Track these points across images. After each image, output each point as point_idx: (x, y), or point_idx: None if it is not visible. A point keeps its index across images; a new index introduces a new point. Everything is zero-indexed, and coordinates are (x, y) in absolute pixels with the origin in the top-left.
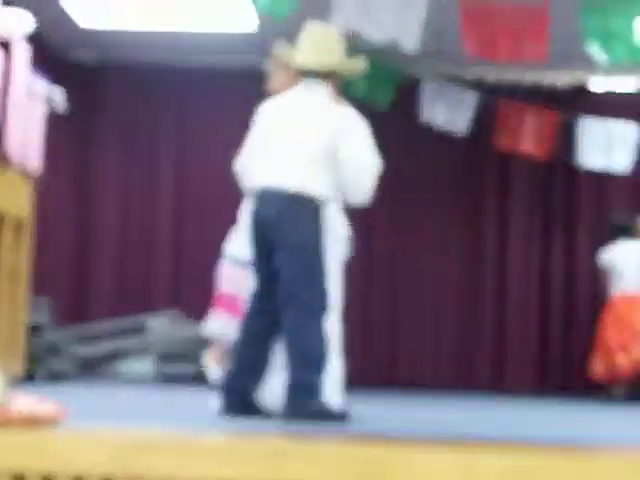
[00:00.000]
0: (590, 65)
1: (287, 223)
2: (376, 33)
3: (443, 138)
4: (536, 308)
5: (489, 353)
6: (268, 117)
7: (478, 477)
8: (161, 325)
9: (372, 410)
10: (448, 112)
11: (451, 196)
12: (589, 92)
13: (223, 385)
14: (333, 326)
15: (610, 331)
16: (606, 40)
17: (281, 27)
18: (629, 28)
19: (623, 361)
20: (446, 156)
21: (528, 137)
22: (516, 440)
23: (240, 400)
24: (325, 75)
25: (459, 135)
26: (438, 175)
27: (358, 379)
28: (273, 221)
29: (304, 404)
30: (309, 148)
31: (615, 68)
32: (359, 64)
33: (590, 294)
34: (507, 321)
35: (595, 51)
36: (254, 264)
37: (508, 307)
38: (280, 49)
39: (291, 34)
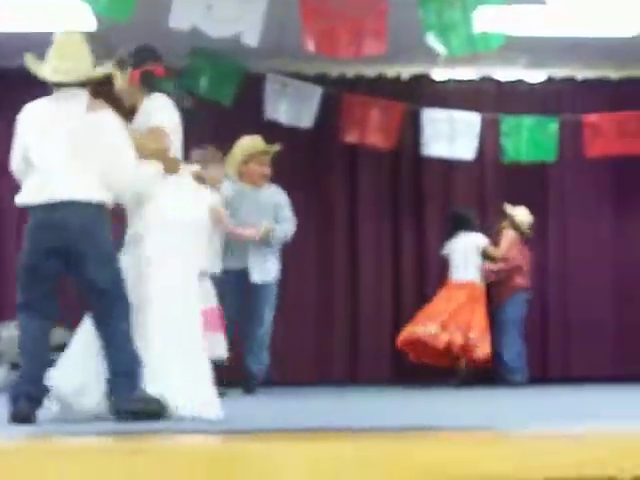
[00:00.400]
0: (432, 56)
1: (92, 234)
2: (217, 29)
3: (289, 133)
4: (389, 298)
5: (344, 345)
6: (31, 125)
7: (324, 465)
8: (12, 334)
9: (227, 407)
10: (292, 108)
11: (300, 191)
12: (432, 82)
13: (10, 394)
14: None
15: (430, 306)
16: (444, 32)
17: (123, 24)
18: (466, 20)
19: (423, 331)
20: (293, 151)
21: (373, 129)
22: (368, 429)
23: (27, 408)
24: (77, 84)
25: (305, 130)
26: (286, 171)
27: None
28: (76, 232)
29: (127, 398)
30: (85, 159)
31: (457, 58)
32: (108, 68)
33: (440, 282)
34: (360, 313)
35: (434, 43)
36: (31, 272)
37: (361, 299)
38: (28, 62)
39: (132, 31)
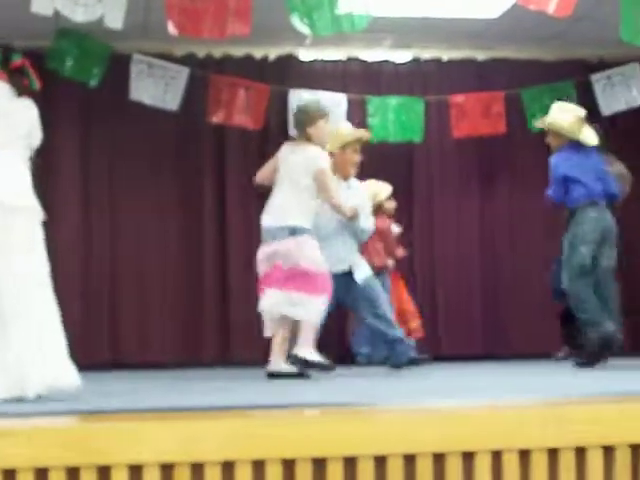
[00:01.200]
0: (299, 37)
1: None
2: (80, 13)
3: (157, 115)
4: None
5: (214, 326)
6: None
7: (191, 441)
8: None
9: (95, 388)
10: (158, 89)
11: (166, 173)
12: (300, 63)
13: None
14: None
15: None
16: (308, 12)
17: None
18: (331, 0)
19: None
20: (160, 133)
21: (240, 110)
22: (233, 407)
23: None
24: None
25: (171, 111)
26: (153, 152)
27: (81, 358)
28: None
29: None
30: None
31: (323, 39)
32: None
33: None
34: (230, 294)
35: (298, 24)
36: None
37: (231, 283)
38: None
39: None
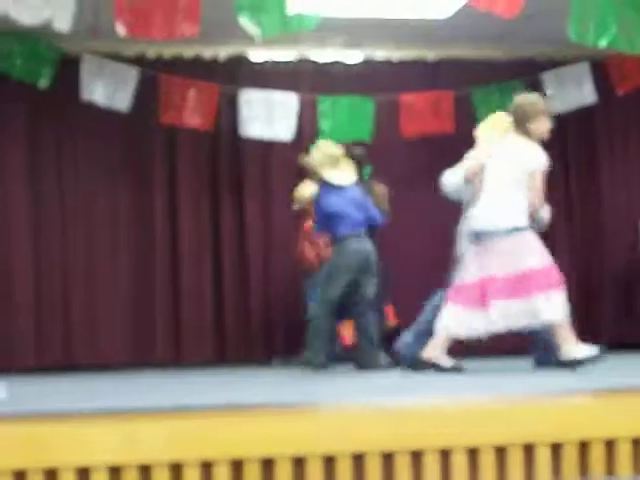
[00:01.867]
0: (249, 37)
1: None
2: (28, 16)
3: (107, 116)
4: (209, 278)
5: (165, 327)
6: None
7: (138, 442)
8: None
9: (43, 389)
10: (109, 89)
11: (117, 174)
12: (250, 63)
13: None
14: None
15: None
16: (256, 13)
17: None
18: (279, 0)
19: None
20: (111, 134)
21: (191, 111)
22: (180, 408)
23: None
24: None
25: (122, 112)
26: (103, 153)
27: (33, 360)
28: None
29: None
30: None
31: (273, 39)
32: None
33: (261, 261)
34: (181, 293)
35: (246, 24)
36: None
37: (182, 279)
38: None
39: None
